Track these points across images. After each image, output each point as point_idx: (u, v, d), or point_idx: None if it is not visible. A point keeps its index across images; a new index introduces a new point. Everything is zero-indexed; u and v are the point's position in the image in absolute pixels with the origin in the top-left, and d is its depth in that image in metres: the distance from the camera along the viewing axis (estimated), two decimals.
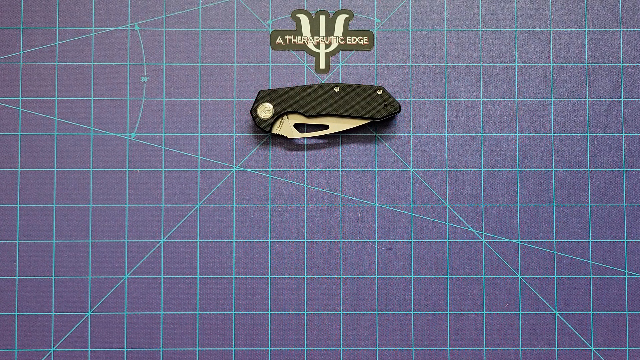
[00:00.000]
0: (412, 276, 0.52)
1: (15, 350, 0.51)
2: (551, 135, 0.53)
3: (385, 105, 0.52)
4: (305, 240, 0.53)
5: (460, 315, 0.52)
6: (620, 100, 0.54)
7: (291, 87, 0.52)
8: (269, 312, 0.52)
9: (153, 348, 0.52)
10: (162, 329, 0.52)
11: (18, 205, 0.52)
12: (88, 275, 0.52)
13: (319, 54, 0.54)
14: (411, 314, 0.52)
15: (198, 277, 0.52)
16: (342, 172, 0.53)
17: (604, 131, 0.54)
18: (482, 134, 0.53)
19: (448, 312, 0.52)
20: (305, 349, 0.52)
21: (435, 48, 0.54)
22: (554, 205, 0.53)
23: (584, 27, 0.54)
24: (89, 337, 0.52)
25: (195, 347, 0.52)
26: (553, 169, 0.53)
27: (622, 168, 0.53)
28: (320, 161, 0.53)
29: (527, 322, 0.52)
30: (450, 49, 0.54)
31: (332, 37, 0.54)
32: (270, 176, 0.53)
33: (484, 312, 0.52)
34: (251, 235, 0.53)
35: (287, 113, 0.53)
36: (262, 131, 0.53)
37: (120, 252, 0.52)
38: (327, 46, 0.54)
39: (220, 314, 0.52)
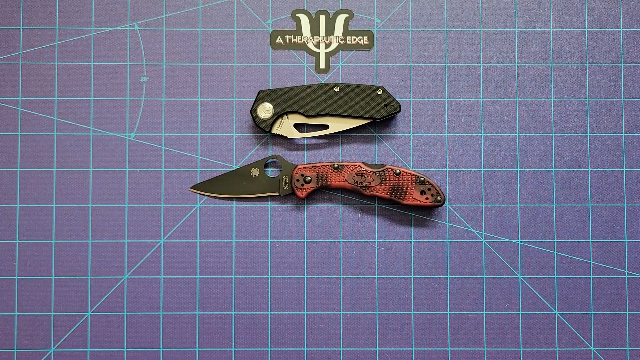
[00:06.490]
0: (412, 276, 0.52)
1: (15, 350, 0.51)
2: (551, 135, 0.53)
3: (385, 105, 0.52)
4: (305, 241, 0.53)
5: (460, 315, 0.52)
6: (621, 100, 0.54)
7: (291, 87, 0.52)
8: (269, 312, 0.52)
9: (153, 348, 0.52)
10: (162, 329, 0.52)
11: (18, 205, 0.52)
12: (88, 276, 0.52)
13: (319, 53, 0.54)
14: (411, 314, 0.52)
15: (198, 277, 0.52)
16: None
17: (604, 131, 0.54)
18: (482, 134, 0.53)
19: (448, 312, 0.52)
20: (305, 349, 0.52)
21: (435, 48, 0.54)
22: (554, 205, 0.53)
23: (584, 27, 0.54)
24: (89, 338, 0.52)
25: (195, 347, 0.52)
26: (553, 169, 0.53)
27: (623, 168, 0.53)
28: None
29: (527, 322, 0.52)
30: (450, 49, 0.54)
31: (332, 36, 0.54)
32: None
33: (484, 312, 0.52)
34: (251, 235, 0.53)
35: (287, 113, 0.52)
36: (262, 131, 0.53)
37: (120, 252, 0.52)
38: (327, 46, 0.54)
39: (220, 314, 0.52)
